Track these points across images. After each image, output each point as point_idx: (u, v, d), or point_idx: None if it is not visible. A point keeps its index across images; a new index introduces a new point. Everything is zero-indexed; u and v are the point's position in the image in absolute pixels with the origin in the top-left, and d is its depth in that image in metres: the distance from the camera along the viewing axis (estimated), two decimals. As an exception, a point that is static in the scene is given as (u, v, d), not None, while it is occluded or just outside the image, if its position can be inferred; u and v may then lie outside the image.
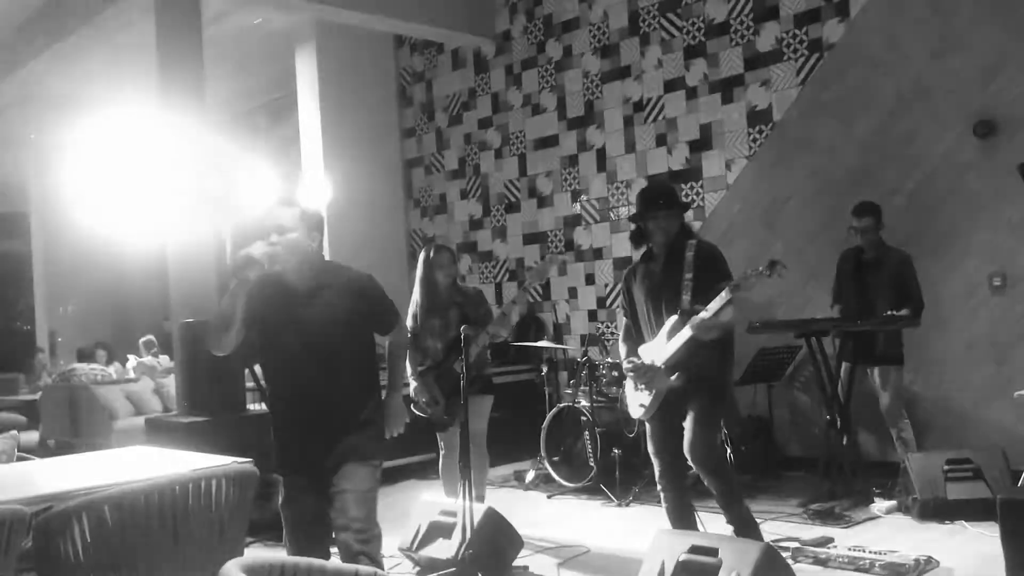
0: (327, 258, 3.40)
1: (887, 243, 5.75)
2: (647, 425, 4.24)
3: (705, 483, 4.14)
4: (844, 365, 5.72)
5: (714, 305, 3.81)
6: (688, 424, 4.08)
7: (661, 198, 4.17)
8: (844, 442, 5.51)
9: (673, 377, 4.03)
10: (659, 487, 4.23)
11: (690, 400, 4.07)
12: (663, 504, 4.25)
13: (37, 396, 10.32)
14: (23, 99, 10.50)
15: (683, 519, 4.20)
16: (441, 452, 5.16)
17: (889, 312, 5.44)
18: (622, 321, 4.42)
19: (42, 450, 9.16)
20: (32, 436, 9.63)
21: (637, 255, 4.41)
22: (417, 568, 4.51)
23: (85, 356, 10.96)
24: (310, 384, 3.23)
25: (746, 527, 4.12)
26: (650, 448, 4.24)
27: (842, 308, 5.87)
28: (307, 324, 3.21)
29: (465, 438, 4.00)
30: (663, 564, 3.56)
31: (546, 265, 5.26)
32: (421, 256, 5.11)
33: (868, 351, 5.65)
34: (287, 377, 3.30)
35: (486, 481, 5.24)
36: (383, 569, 3.29)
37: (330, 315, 3.21)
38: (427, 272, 5.03)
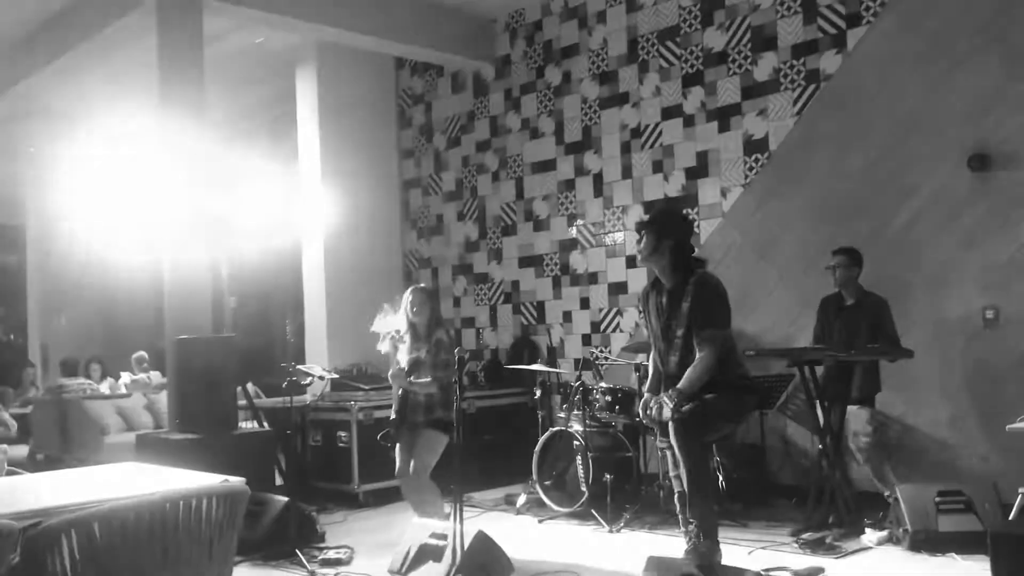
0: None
1: (865, 288, 5.73)
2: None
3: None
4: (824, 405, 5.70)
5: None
6: None
7: (644, 222, 4.54)
8: (836, 474, 5.50)
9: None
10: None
11: None
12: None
13: (28, 410, 10.26)
14: (23, 113, 10.54)
15: None
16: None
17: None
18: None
19: (31, 464, 9.10)
20: (21, 450, 9.58)
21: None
22: (406, 591, 4.48)
23: (69, 369, 10.68)
24: None
25: (708, 529, 4.29)
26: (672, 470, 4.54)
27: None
28: None
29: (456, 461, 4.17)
30: (653, 591, 3.55)
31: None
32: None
33: (842, 392, 5.62)
34: None
35: (440, 508, 5.15)
36: None
37: None
38: (405, 312, 5.37)
